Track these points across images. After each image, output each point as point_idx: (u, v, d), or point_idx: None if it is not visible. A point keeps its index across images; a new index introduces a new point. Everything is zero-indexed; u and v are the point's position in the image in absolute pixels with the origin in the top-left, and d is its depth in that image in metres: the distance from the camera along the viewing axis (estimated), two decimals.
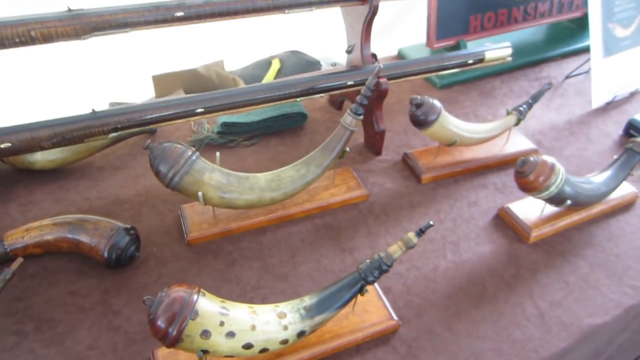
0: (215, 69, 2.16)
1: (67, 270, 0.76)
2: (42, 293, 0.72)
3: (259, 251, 0.79)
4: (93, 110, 0.77)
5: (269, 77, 2.25)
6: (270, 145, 1.03)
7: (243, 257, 0.78)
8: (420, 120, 0.89)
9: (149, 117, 0.80)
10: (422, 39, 1.38)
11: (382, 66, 0.81)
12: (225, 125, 1.02)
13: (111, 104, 2.38)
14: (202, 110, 0.82)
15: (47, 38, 0.72)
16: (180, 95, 2.06)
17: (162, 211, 0.86)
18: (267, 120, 1.04)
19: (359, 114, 0.81)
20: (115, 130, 0.78)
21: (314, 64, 2.39)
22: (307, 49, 2.42)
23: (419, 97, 0.89)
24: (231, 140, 1.02)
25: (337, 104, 1.13)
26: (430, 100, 0.89)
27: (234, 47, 2.28)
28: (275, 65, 2.28)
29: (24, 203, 0.87)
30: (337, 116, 1.12)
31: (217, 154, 0.80)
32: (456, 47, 1.29)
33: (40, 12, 0.73)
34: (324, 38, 2.41)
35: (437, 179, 0.94)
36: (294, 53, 2.39)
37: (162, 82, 2.08)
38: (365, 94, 0.80)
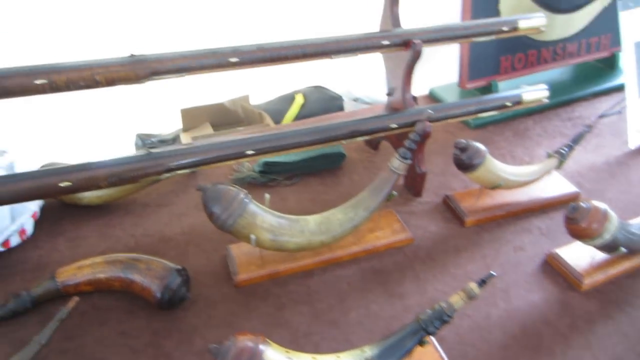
0: (241, 103, 2.20)
1: (117, 309, 0.76)
2: (93, 332, 0.72)
3: (307, 295, 0.79)
4: (148, 150, 0.79)
5: (293, 112, 2.28)
6: (310, 185, 1.04)
7: (292, 301, 0.78)
8: (465, 164, 0.89)
9: (202, 158, 0.81)
10: (450, 77, 1.40)
11: (431, 112, 0.82)
12: (266, 164, 1.03)
13: (139, 136, 2.41)
14: (252, 152, 0.83)
15: (109, 82, 0.74)
16: (207, 128, 2.09)
17: (208, 250, 0.86)
18: (307, 160, 1.05)
19: (407, 158, 0.81)
20: (168, 170, 0.79)
21: (337, 99, 2.42)
22: (329, 84, 2.46)
23: (463, 141, 0.90)
24: (272, 180, 1.03)
25: (374, 144, 1.14)
26: (475, 144, 0.90)
27: (258, 81, 2.32)
28: (299, 100, 2.31)
29: (71, 238, 0.88)
30: (374, 156, 1.13)
31: (267, 196, 0.80)
32: (488, 87, 1.31)
33: (103, 57, 0.75)
34: (346, 73, 2.45)
35: (480, 223, 0.94)
36: (317, 88, 2.43)
37: (190, 116, 2.12)
38: (414, 138, 0.81)
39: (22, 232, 0.85)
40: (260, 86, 2.26)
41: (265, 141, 0.84)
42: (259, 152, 0.84)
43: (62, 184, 0.73)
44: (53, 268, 0.80)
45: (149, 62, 0.76)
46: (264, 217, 0.76)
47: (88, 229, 0.90)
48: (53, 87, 0.71)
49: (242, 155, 0.83)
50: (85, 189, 0.75)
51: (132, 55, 0.76)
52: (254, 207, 0.76)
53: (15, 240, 0.84)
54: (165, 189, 1.01)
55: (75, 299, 0.68)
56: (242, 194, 0.76)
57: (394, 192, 0.84)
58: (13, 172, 0.86)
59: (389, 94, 1.02)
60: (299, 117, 2.33)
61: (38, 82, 0.70)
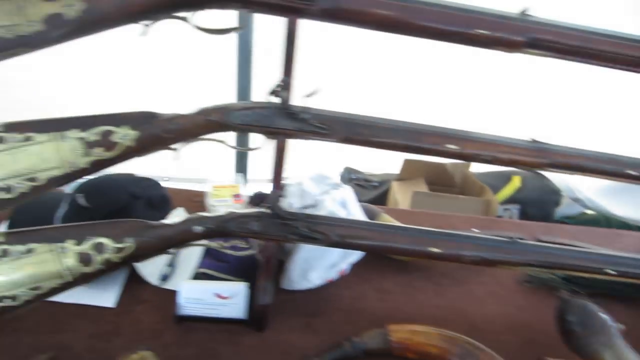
0: (463, 169, 2.15)
1: None
2: None
3: None
4: (513, 239, 0.75)
5: (506, 192, 2.18)
6: (613, 311, 0.90)
7: None
8: None
9: (567, 263, 0.75)
10: None
11: None
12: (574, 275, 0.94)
13: (346, 169, 2.46)
14: (614, 272, 0.75)
15: (509, 163, 0.72)
16: (421, 184, 2.07)
17: (516, 353, 0.80)
18: (613, 282, 0.94)
19: None
20: (524, 264, 0.75)
21: (555, 194, 2.27)
22: (551, 175, 2.32)
23: None
24: (573, 291, 0.94)
25: None
26: None
27: None
28: (516, 182, 2.21)
29: (377, 289, 0.88)
30: None
31: (621, 326, 0.72)
32: None
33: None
34: None
35: None
36: (537, 176, 2.30)
37: (410, 167, 2.12)
38: None
39: None
40: None
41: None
42: (622, 276, 0.76)
43: (431, 249, 0.72)
44: (363, 316, 0.82)
45: (552, 152, 0.72)
46: (629, 357, 0.68)
47: (392, 283, 0.90)
48: (459, 155, 0.71)
49: (601, 272, 0.76)
50: (449, 260, 0.73)
51: (534, 141, 0.73)
52: (622, 344, 0.68)
53: (335, 275, 0.86)
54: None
55: None
56: (611, 321, 0.68)
57: None
58: (346, 208, 0.88)
59: None
60: (511, 199, 2.22)
61: (449, 146, 0.70)
